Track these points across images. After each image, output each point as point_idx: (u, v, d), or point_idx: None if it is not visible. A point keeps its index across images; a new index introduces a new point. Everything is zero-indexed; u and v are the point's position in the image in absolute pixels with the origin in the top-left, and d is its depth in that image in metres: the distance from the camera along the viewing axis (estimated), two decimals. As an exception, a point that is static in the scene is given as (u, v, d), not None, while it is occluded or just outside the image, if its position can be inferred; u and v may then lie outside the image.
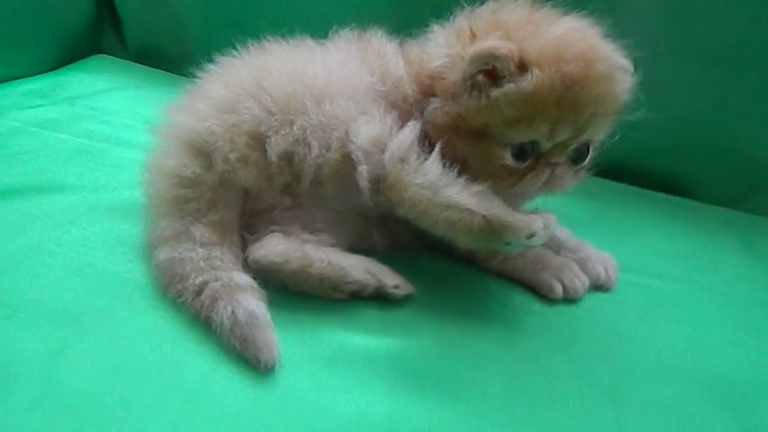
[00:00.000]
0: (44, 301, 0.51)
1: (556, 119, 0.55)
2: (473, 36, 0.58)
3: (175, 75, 1.05)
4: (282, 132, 0.55)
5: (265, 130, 0.56)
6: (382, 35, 0.66)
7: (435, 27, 0.65)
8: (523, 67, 0.54)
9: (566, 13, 0.62)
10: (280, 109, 0.56)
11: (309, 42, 0.64)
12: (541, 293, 0.64)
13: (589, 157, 0.61)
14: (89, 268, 0.55)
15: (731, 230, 0.91)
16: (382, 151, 0.55)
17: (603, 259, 0.69)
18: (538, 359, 0.56)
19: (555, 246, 0.70)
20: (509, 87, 0.54)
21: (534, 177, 0.58)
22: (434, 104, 0.59)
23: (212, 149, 0.56)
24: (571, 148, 0.58)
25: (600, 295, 0.67)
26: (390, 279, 0.57)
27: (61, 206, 0.62)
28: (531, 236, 0.54)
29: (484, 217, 0.54)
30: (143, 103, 0.93)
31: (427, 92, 0.60)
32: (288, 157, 0.56)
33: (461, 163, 0.58)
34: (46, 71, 0.99)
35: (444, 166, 0.56)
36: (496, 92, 0.55)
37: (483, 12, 0.61)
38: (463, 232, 0.55)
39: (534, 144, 0.57)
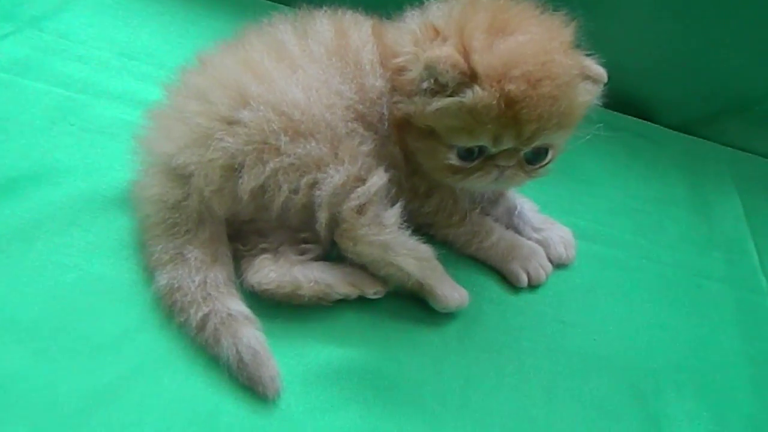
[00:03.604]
0: (70, 331, 0.55)
1: (497, 132, 0.57)
2: (436, 34, 0.58)
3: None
4: (255, 170, 0.57)
5: (238, 164, 0.57)
6: (363, 27, 0.64)
7: (408, 13, 0.63)
8: (472, 77, 0.55)
9: (542, 12, 0.61)
10: (255, 147, 0.57)
11: (292, 39, 0.62)
12: (509, 281, 0.72)
13: (548, 159, 0.63)
14: (100, 283, 0.59)
15: (683, 174, 0.97)
16: (343, 200, 0.58)
17: (563, 238, 0.76)
18: (490, 355, 0.65)
19: (522, 223, 0.77)
20: (451, 100, 0.55)
21: (480, 176, 0.61)
22: (395, 97, 0.60)
23: (189, 180, 0.58)
24: (526, 152, 0.60)
25: (555, 275, 0.75)
26: (369, 287, 0.63)
27: (61, 204, 0.63)
28: (444, 308, 0.64)
29: (418, 281, 0.61)
30: (112, 20, 0.88)
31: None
32: (258, 193, 0.58)
33: (412, 156, 0.63)
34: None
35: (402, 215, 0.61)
36: (438, 103, 0.56)
37: (457, 4, 0.60)
38: (397, 284, 0.63)
39: (481, 147, 0.59)
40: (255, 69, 0.60)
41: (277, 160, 0.57)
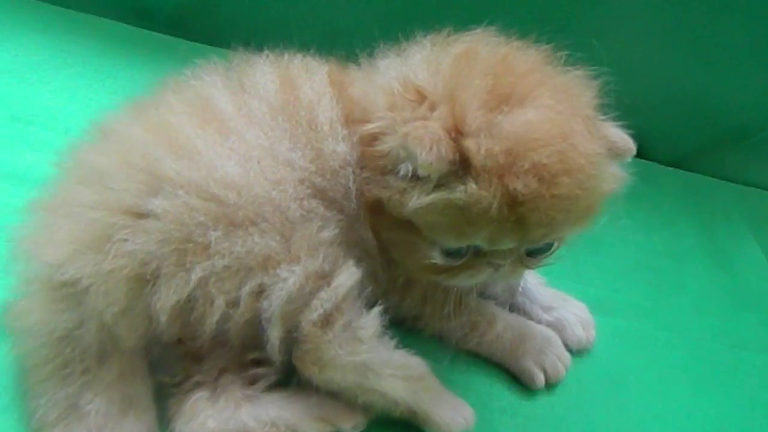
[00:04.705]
0: None
1: (494, 235, 0.42)
2: (421, 99, 0.43)
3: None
4: (175, 280, 0.40)
5: (152, 274, 0.40)
6: (316, 76, 0.48)
7: (382, 57, 0.48)
8: (465, 168, 0.40)
9: (555, 66, 0.46)
10: (174, 248, 0.39)
11: (223, 96, 0.46)
12: (521, 380, 0.56)
13: (552, 250, 0.48)
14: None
15: (691, 218, 0.85)
16: (302, 311, 0.42)
17: (580, 317, 0.61)
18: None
19: (528, 302, 0.61)
20: (436, 195, 0.41)
21: (471, 275, 0.46)
22: (364, 172, 0.45)
23: (83, 299, 0.40)
24: (525, 249, 0.46)
25: (574, 363, 0.58)
26: (346, 420, 0.46)
27: None
28: None
29: (409, 407, 0.46)
30: (4, 77, 0.69)
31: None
32: (183, 309, 0.41)
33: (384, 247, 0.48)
34: None
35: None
36: (418, 198, 0.41)
37: (445, 55, 0.45)
38: (381, 412, 0.46)
39: (472, 245, 0.44)
40: (171, 138, 0.43)
41: (206, 263, 0.40)
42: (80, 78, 0.71)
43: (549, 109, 0.42)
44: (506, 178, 0.40)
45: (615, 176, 0.45)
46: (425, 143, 0.39)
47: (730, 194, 0.91)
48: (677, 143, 0.96)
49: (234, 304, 0.41)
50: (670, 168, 0.94)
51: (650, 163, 0.93)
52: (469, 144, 0.40)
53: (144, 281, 0.40)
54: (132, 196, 0.41)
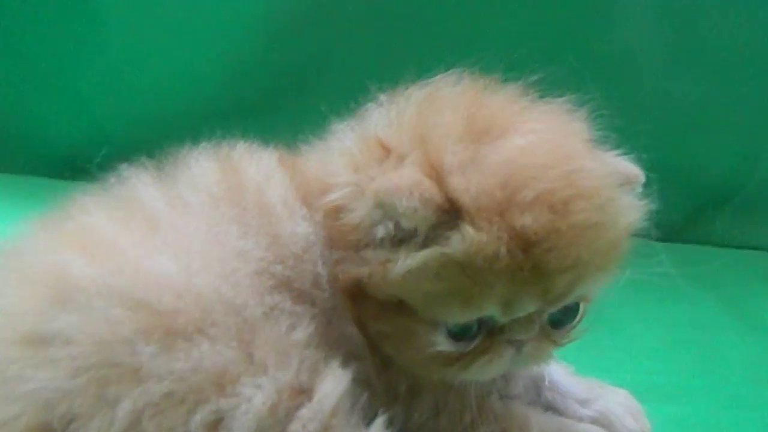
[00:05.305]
0: None
1: (509, 295, 0.33)
2: (385, 152, 0.36)
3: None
4: (94, 424, 0.29)
5: (62, 418, 0.29)
6: (263, 158, 0.41)
7: (335, 128, 0.41)
8: (454, 212, 0.32)
9: (538, 99, 0.40)
10: (91, 376, 0.29)
11: (152, 192, 0.38)
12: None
13: (579, 315, 0.39)
14: None
15: (703, 284, 0.77)
16: None
17: (626, 405, 0.49)
18: None
19: (559, 397, 0.49)
20: (427, 252, 0.33)
21: (489, 361, 0.36)
22: (335, 252, 0.36)
23: None
24: (549, 315, 0.37)
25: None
26: None
27: None
28: None
29: None
30: None
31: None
32: None
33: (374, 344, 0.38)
34: None
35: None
36: (405, 261, 0.33)
37: (406, 103, 0.38)
38: None
39: (484, 319, 0.35)
40: (85, 240, 0.34)
41: (137, 391, 0.29)
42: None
43: (540, 132, 0.35)
44: (509, 215, 0.32)
45: (633, 206, 0.38)
46: (403, 190, 0.32)
47: (733, 258, 0.87)
48: (662, 217, 0.92)
49: None
50: (661, 243, 0.88)
51: (641, 240, 0.88)
52: (455, 182, 0.33)
53: (50, 431, 0.29)
54: (30, 317, 0.31)
